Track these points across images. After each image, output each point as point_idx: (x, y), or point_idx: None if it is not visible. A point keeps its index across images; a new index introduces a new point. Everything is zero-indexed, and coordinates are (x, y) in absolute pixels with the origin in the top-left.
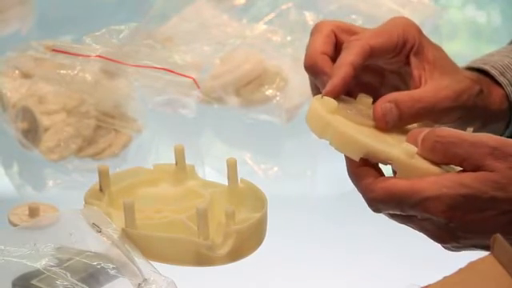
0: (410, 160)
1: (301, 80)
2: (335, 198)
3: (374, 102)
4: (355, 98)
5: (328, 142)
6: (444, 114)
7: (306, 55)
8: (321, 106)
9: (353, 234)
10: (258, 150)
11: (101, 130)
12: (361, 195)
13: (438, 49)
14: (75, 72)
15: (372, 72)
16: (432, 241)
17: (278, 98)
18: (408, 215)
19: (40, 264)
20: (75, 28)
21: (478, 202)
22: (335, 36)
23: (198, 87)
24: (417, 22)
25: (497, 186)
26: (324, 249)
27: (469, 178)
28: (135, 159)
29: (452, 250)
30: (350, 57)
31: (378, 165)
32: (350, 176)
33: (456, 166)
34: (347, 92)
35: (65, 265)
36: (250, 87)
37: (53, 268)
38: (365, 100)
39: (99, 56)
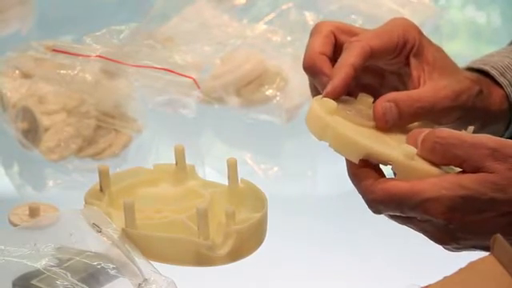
0: (410, 161)
1: (301, 80)
2: (335, 198)
3: (374, 102)
4: (355, 98)
5: (328, 144)
6: (443, 113)
7: (304, 55)
8: (320, 107)
9: (353, 234)
10: (258, 150)
11: (101, 130)
12: (361, 196)
13: (438, 49)
14: (75, 72)
15: (372, 73)
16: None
17: (278, 98)
18: (408, 216)
19: (40, 264)
20: (75, 28)
21: (478, 203)
22: (334, 37)
23: (199, 87)
24: (417, 22)
25: (496, 188)
26: (324, 249)
27: (468, 179)
28: (135, 159)
29: (452, 251)
30: (350, 58)
31: (378, 166)
32: (350, 177)
33: (456, 167)
34: (347, 93)
35: (65, 265)
36: (250, 87)
37: (53, 268)
38: (365, 100)
39: (99, 56)
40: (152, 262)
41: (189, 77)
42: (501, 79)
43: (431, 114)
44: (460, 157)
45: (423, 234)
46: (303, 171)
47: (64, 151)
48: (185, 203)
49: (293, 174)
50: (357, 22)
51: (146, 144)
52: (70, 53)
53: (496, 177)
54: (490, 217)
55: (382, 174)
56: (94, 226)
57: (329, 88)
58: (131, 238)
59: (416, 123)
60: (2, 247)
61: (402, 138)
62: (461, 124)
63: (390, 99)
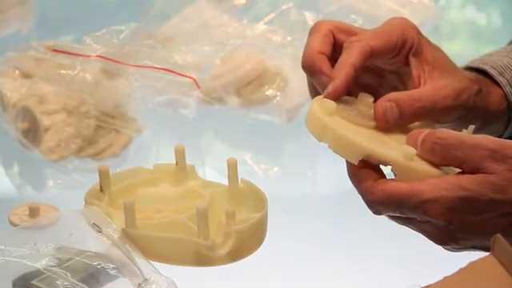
0: (409, 162)
1: (301, 80)
2: (335, 198)
3: (374, 102)
4: (355, 97)
5: (327, 145)
6: (444, 113)
7: (303, 55)
8: (320, 108)
9: (353, 234)
10: (258, 150)
11: (101, 130)
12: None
13: (437, 49)
14: (75, 72)
15: (371, 72)
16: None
17: (278, 98)
18: (408, 217)
19: (40, 264)
20: (75, 28)
21: (477, 204)
22: (333, 36)
23: (199, 87)
24: (417, 22)
25: (496, 188)
26: (324, 249)
27: (468, 180)
28: (135, 159)
29: (452, 251)
30: (351, 58)
31: (378, 166)
32: (350, 178)
33: (455, 167)
34: (347, 93)
35: (65, 265)
36: (250, 87)
37: (53, 268)
38: (366, 100)
39: (99, 56)
40: (152, 262)
41: (189, 77)
42: (500, 79)
43: (432, 113)
44: (459, 158)
45: (423, 234)
46: (303, 171)
47: (64, 151)
48: (185, 203)
49: (293, 174)
50: (356, 21)
51: (146, 144)
52: (70, 53)
53: (495, 177)
54: (489, 217)
55: (382, 175)
56: (94, 226)
57: (329, 89)
58: (131, 238)
59: (417, 123)
60: (2, 247)
61: (402, 138)
62: (461, 123)
63: (390, 99)
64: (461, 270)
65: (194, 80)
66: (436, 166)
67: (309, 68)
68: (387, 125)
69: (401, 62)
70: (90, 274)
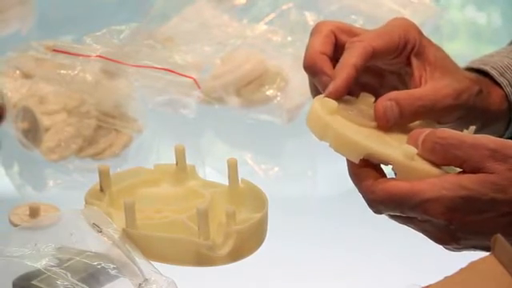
0: (410, 162)
1: (301, 80)
2: (336, 198)
3: (375, 101)
4: (356, 97)
5: (328, 144)
6: (445, 112)
7: (305, 55)
8: (321, 107)
9: (353, 234)
10: (258, 150)
11: (101, 130)
12: (361, 196)
13: (438, 49)
14: (76, 72)
15: (372, 73)
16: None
17: (278, 98)
18: (408, 216)
19: (40, 264)
20: (75, 28)
21: (478, 203)
22: (335, 36)
23: (199, 87)
24: (417, 22)
25: (496, 188)
26: (324, 249)
27: (468, 179)
28: (136, 159)
29: (453, 251)
30: (352, 58)
31: (379, 165)
32: (351, 177)
33: (456, 167)
34: (348, 92)
35: (65, 265)
36: (250, 87)
37: (53, 268)
38: (367, 99)
39: (100, 56)
40: (152, 262)
41: (189, 77)
42: (500, 79)
43: (432, 112)
44: (460, 157)
45: (423, 233)
46: (303, 171)
47: (64, 151)
48: (185, 203)
49: (293, 174)
50: (357, 22)
51: (147, 144)
52: (70, 53)
53: (496, 177)
54: (490, 217)
55: (382, 174)
56: (95, 226)
57: (331, 88)
58: (131, 238)
59: (417, 122)
60: (3, 247)
61: (403, 137)
62: (462, 124)
63: (391, 98)
64: (461, 269)
65: (194, 80)
66: (437, 165)
67: (310, 68)
68: (388, 124)
69: (402, 62)
70: (90, 273)
